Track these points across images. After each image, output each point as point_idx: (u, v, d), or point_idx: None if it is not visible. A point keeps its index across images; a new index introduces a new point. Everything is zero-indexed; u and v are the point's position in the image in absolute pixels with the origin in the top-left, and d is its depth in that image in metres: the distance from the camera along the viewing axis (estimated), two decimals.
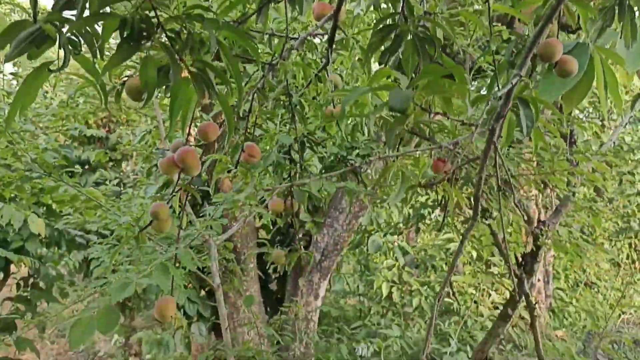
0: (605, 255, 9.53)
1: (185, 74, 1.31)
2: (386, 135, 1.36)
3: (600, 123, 7.13)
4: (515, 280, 3.14)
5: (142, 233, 1.66)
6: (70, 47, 1.18)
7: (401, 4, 1.60)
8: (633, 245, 10.22)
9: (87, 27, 1.20)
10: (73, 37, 1.19)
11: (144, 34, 1.23)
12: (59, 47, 1.16)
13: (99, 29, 1.23)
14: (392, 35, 1.63)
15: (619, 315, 8.58)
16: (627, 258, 10.20)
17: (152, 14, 1.21)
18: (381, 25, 1.64)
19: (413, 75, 1.61)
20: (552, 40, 1.45)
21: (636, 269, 10.28)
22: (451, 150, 1.52)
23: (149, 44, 1.25)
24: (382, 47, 1.68)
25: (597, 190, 8.38)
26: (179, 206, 1.66)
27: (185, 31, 1.27)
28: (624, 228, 9.91)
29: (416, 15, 1.60)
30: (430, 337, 1.67)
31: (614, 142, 5.04)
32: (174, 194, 1.59)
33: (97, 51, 1.23)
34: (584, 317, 8.85)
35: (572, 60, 1.47)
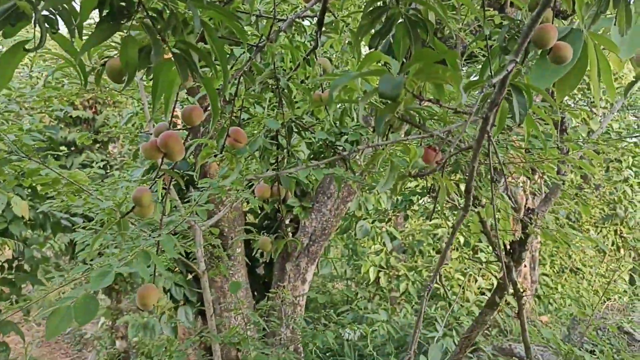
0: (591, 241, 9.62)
1: (168, 55, 1.26)
2: (375, 123, 1.33)
3: (589, 109, 7.13)
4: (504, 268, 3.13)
5: (124, 219, 1.61)
6: (47, 25, 1.13)
7: None
8: (618, 232, 10.32)
9: (65, 5, 1.14)
10: (50, 15, 1.13)
11: (124, 12, 1.18)
12: (35, 25, 1.11)
13: (77, 7, 1.17)
14: (383, 18, 1.59)
15: (604, 301, 8.68)
16: (613, 245, 10.29)
17: None
18: (371, 8, 1.59)
19: (404, 59, 1.57)
20: (547, 26, 1.42)
21: (621, 256, 10.39)
22: (443, 139, 1.49)
23: (129, 23, 1.19)
24: (373, 30, 1.63)
25: (584, 177, 8.43)
26: (163, 188, 1.61)
27: (167, 10, 1.22)
28: (610, 215, 10.01)
29: None
30: (418, 330, 1.65)
31: (602, 129, 5.04)
32: (156, 179, 1.54)
33: (75, 30, 1.17)
34: (568, 303, 8.95)
35: (566, 47, 1.43)
